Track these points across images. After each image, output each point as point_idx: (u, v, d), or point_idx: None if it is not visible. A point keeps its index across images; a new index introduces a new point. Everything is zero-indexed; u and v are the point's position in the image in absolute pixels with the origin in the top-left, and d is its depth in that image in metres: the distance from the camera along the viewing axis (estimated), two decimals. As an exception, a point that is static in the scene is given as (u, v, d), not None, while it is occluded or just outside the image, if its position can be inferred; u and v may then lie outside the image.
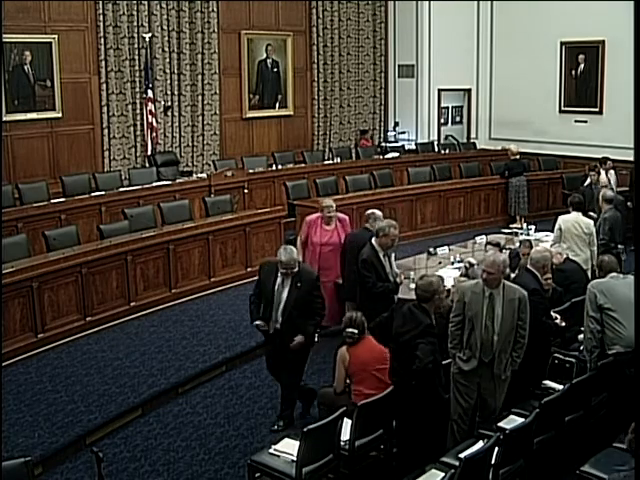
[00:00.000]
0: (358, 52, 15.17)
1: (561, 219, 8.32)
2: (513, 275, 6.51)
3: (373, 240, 6.71)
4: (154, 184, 10.76)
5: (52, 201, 9.75)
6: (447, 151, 14.39)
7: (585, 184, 11.17)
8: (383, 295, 6.49)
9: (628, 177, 11.86)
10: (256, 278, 6.23)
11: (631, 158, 10.55)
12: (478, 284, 5.26)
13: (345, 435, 4.88)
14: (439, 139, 15.22)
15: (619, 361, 5.42)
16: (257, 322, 5.99)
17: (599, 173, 11.19)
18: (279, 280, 5.85)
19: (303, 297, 5.83)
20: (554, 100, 14.35)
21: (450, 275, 7.66)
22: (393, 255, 7.02)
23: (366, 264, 6.58)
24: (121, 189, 10.49)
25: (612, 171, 11.92)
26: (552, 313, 5.87)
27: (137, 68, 12.09)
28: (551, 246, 7.83)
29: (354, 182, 11.66)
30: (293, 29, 14.20)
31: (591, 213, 9.12)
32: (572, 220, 8.19)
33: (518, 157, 12.39)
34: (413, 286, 6.68)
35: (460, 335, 5.24)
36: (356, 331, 5.55)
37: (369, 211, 7.65)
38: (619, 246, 8.44)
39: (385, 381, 5.37)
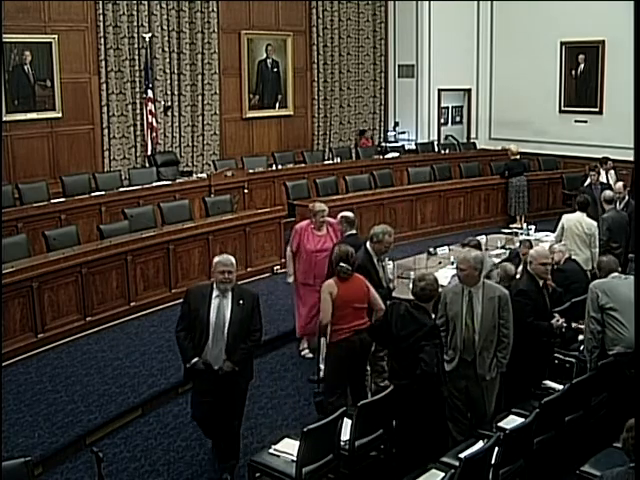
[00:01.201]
0: (358, 52, 15.18)
1: (565, 218, 8.39)
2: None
3: (368, 244, 6.53)
4: (154, 184, 10.76)
5: (52, 201, 9.75)
6: (447, 151, 14.40)
7: (585, 184, 11.15)
8: None
9: (629, 177, 11.85)
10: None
11: (631, 158, 10.55)
12: (458, 285, 5.30)
13: (345, 435, 4.87)
14: (439, 139, 15.23)
15: (619, 362, 5.41)
16: (194, 360, 5.12)
17: (599, 173, 11.17)
18: (215, 302, 5.10)
19: (247, 316, 5.15)
20: (554, 100, 14.36)
21: (449, 275, 7.66)
22: (387, 259, 6.94)
23: (360, 269, 6.30)
24: (121, 189, 10.49)
25: (612, 171, 11.92)
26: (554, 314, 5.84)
27: (137, 68, 12.09)
28: (551, 245, 7.83)
29: (354, 182, 11.67)
30: (293, 29, 14.21)
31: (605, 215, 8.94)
32: (575, 219, 8.25)
33: (518, 157, 12.40)
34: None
35: (445, 337, 5.25)
36: (350, 268, 5.69)
37: (342, 214, 7.23)
38: (630, 255, 8.41)
39: (361, 316, 5.70)
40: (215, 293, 5.13)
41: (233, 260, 5.22)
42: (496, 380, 5.31)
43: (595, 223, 8.26)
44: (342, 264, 5.69)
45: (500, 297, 5.20)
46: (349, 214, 7.22)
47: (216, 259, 5.22)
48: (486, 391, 5.26)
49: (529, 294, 5.67)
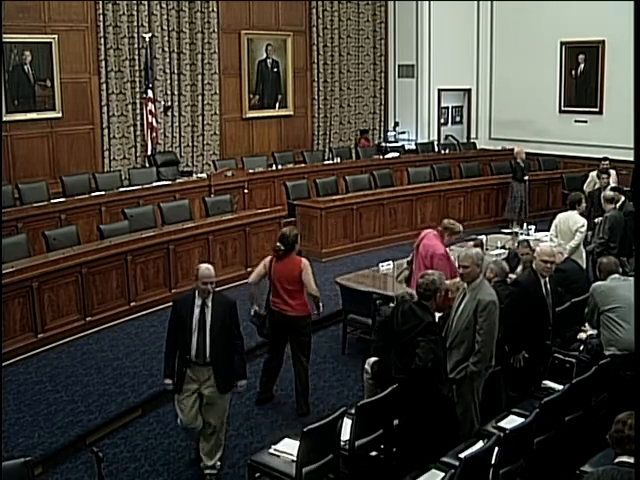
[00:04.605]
0: (358, 52, 15.18)
1: (558, 216, 8.45)
2: (514, 275, 6.51)
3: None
4: (154, 184, 10.77)
5: (52, 201, 9.75)
6: (447, 151, 14.39)
7: (595, 187, 10.84)
8: None
9: (629, 177, 11.83)
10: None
11: (631, 158, 10.55)
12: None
13: (345, 435, 4.87)
14: (439, 139, 15.22)
15: (615, 363, 5.41)
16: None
17: (610, 175, 10.93)
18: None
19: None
20: (554, 100, 14.35)
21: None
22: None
23: None
24: (121, 189, 10.50)
25: (611, 171, 11.88)
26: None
27: (137, 68, 12.09)
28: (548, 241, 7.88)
29: (354, 182, 11.67)
30: (293, 29, 14.21)
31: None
32: (564, 217, 8.32)
33: (518, 160, 12.31)
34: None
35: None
36: (283, 248, 6.13)
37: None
38: (621, 258, 8.40)
39: (292, 299, 6.14)
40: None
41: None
42: (464, 386, 5.19)
43: (581, 220, 8.24)
44: (277, 243, 6.20)
45: (480, 301, 5.14)
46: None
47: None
48: (455, 394, 5.18)
49: (522, 284, 5.76)
